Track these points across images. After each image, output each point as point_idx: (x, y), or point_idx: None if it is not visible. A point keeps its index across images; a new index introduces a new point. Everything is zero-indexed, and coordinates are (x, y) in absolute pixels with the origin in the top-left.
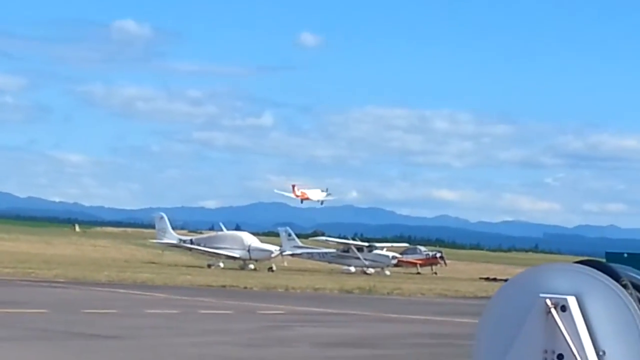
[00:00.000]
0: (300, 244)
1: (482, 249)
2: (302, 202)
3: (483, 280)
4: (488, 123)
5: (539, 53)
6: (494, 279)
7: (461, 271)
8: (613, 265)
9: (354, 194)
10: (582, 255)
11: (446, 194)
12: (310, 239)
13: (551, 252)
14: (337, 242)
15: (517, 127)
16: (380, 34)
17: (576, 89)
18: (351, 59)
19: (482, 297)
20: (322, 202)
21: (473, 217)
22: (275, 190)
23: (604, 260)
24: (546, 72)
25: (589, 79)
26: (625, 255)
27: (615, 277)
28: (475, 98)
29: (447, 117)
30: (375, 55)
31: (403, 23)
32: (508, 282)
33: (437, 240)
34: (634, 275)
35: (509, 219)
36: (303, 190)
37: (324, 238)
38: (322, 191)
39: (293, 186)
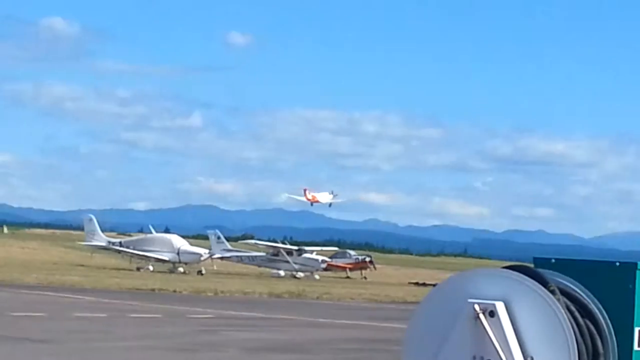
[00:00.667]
0: (229, 247)
1: (411, 254)
2: (312, 204)
3: (412, 285)
4: (417, 126)
5: (468, 56)
6: (423, 284)
7: (390, 276)
8: (541, 270)
9: (283, 196)
10: (511, 260)
11: (375, 198)
12: (240, 242)
13: (480, 257)
14: (267, 246)
15: (447, 131)
16: (310, 35)
17: (505, 93)
18: (280, 59)
19: (411, 302)
20: (330, 204)
21: (402, 221)
22: (287, 195)
23: (532, 265)
24: (476, 75)
25: (518, 83)
26: (553, 260)
27: (543, 282)
28: (405, 101)
29: (376, 119)
30: (305, 56)
31: (332, 24)
32: (436, 287)
33: (367, 245)
34: (561, 280)
35: (439, 223)
36: (313, 194)
37: (253, 241)
38: (330, 194)
39: (305, 190)
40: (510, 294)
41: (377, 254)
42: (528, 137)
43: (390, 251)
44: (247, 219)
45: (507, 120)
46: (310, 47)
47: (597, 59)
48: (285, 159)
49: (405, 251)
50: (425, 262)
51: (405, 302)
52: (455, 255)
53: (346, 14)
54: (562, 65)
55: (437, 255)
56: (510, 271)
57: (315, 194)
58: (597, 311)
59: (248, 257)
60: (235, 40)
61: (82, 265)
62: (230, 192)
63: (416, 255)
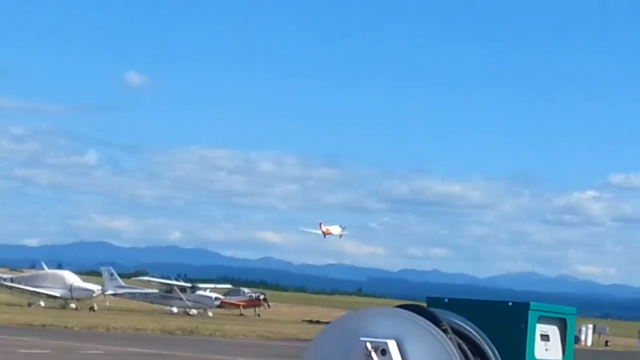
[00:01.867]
0: (122, 283)
1: (305, 292)
2: (325, 236)
3: (306, 322)
4: (313, 166)
5: (364, 96)
6: (317, 322)
7: (284, 313)
8: (433, 309)
9: (178, 234)
10: (406, 299)
11: (270, 236)
12: (133, 278)
13: (375, 296)
14: (160, 283)
15: (343, 171)
16: (205, 74)
17: (401, 134)
18: (177, 98)
19: (304, 340)
20: (340, 236)
21: (297, 260)
22: (302, 229)
23: (424, 304)
24: (372, 116)
25: (414, 124)
26: (446, 300)
27: (436, 321)
28: (301, 141)
29: (272, 159)
30: (201, 95)
31: (227, 63)
32: (329, 325)
33: (261, 282)
34: (454, 320)
35: (333, 262)
36: (327, 227)
37: (146, 278)
38: (340, 227)
39: (320, 224)
40: (402, 333)
41: (271, 291)
42: (424, 177)
43: (285, 289)
44: (141, 256)
45: (403, 161)
46: (206, 87)
47: (491, 101)
48: (181, 197)
49: (300, 289)
50: (320, 300)
51: (299, 340)
52: (349, 294)
53: (239, 54)
54: (458, 107)
55: (332, 293)
56: (403, 310)
57: (329, 227)
58: (489, 350)
59: (141, 294)
60: (132, 80)
61: None
62: (124, 229)
63: (311, 293)
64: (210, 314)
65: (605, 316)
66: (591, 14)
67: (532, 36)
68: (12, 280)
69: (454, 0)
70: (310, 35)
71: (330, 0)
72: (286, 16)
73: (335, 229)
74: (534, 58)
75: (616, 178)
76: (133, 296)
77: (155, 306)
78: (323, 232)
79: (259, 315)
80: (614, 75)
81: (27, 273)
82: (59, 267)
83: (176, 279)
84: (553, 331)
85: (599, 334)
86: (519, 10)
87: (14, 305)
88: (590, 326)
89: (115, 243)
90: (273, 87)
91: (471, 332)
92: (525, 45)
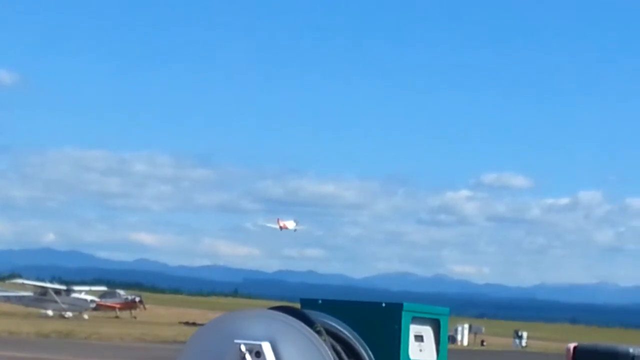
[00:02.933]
0: None
1: (182, 293)
2: (281, 229)
3: (183, 324)
4: (187, 166)
5: (236, 95)
6: (194, 324)
7: (161, 315)
8: (307, 311)
9: (52, 236)
10: (282, 300)
11: (145, 238)
12: (7, 281)
13: (251, 297)
14: (34, 285)
15: (217, 172)
16: (79, 73)
17: (275, 133)
18: (50, 98)
19: (181, 342)
20: (295, 230)
21: (173, 261)
22: (260, 222)
23: (299, 306)
24: (245, 115)
25: (289, 123)
26: (320, 301)
27: (309, 323)
28: (175, 141)
29: (146, 159)
30: (74, 95)
31: (100, 62)
32: (203, 327)
33: (137, 284)
34: (328, 321)
35: (209, 263)
36: (283, 222)
37: (20, 281)
38: (295, 222)
39: (278, 219)
40: (276, 335)
41: (147, 293)
42: (298, 178)
43: (161, 291)
44: (14, 259)
45: (278, 161)
46: (79, 86)
47: (365, 99)
48: (54, 199)
49: (176, 291)
50: (196, 302)
51: (175, 342)
52: (226, 295)
53: (112, 52)
54: (331, 105)
55: (209, 295)
56: (277, 312)
57: (285, 222)
58: (362, 351)
59: (15, 297)
60: (3, 78)
61: None
62: None
63: (187, 295)
64: (85, 316)
65: (481, 316)
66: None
67: (396, 29)
68: None
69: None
70: (177, 30)
71: None
72: (155, 9)
73: (291, 224)
74: (404, 54)
75: (489, 177)
76: (7, 299)
77: (30, 309)
78: (280, 227)
79: (135, 317)
80: (483, 73)
81: None
82: None
83: (51, 282)
84: (427, 332)
85: (475, 333)
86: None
87: None
88: (467, 326)
89: None
90: (146, 86)
91: (345, 334)
92: (394, 39)
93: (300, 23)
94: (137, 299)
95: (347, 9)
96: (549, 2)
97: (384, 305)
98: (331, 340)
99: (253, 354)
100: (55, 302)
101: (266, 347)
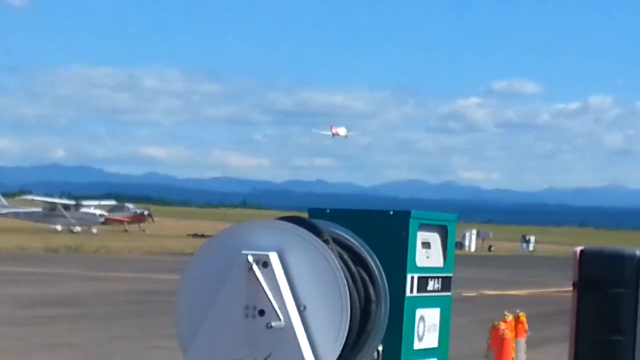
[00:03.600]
0: (6, 203)
1: (191, 206)
2: (333, 136)
3: (191, 236)
4: (197, 81)
5: (244, 12)
6: (202, 235)
7: (170, 228)
8: (315, 221)
9: (61, 152)
10: (290, 210)
11: (155, 151)
12: (17, 198)
13: (260, 208)
14: (44, 201)
15: (226, 85)
16: None
17: (284, 45)
18: (57, 17)
19: (189, 254)
20: (346, 136)
21: (182, 174)
22: (314, 130)
23: (306, 216)
24: (254, 29)
25: (296, 36)
26: (328, 211)
27: (317, 232)
28: (184, 56)
29: (156, 75)
30: (82, 13)
31: None
32: (210, 238)
33: (146, 198)
34: (335, 230)
35: (218, 175)
36: (335, 129)
37: (30, 197)
38: (346, 129)
39: (331, 126)
40: (283, 245)
41: (156, 206)
42: (307, 89)
43: (170, 204)
44: (24, 175)
45: (287, 73)
46: (87, 4)
47: (374, 10)
48: (64, 115)
49: (185, 203)
50: (205, 214)
51: (184, 254)
52: (234, 207)
53: None
54: (340, 16)
55: (217, 206)
56: (284, 222)
57: (337, 129)
58: (369, 259)
59: (25, 213)
60: (10, 0)
61: None
62: (6, 149)
63: (196, 207)
64: (94, 230)
65: (489, 221)
66: None
67: None
68: None
69: None
70: None
71: None
72: None
73: (342, 131)
74: None
75: (499, 84)
76: (17, 215)
77: (39, 225)
78: (333, 134)
79: (144, 230)
80: None
81: None
82: None
83: (60, 197)
84: (434, 238)
85: (483, 239)
86: None
87: None
88: (474, 231)
89: None
90: (154, 2)
91: (352, 242)
92: None
93: None
94: (146, 212)
95: None
96: None
97: (391, 213)
98: (338, 249)
99: (260, 264)
100: (64, 217)
101: (273, 257)
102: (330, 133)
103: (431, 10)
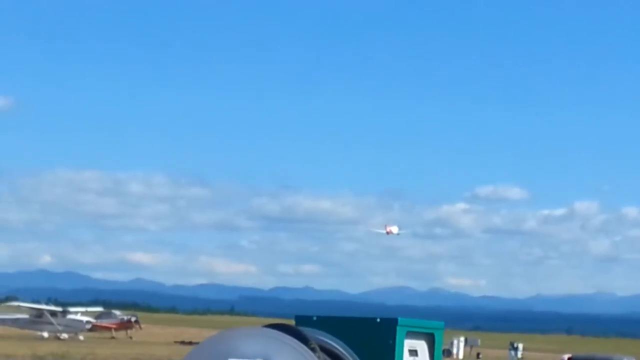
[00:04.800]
0: None
1: (178, 312)
2: (387, 234)
3: (179, 343)
4: (183, 185)
5: (229, 113)
6: (190, 343)
7: (157, 335)
8: (302, 328)
9: (48, 258)
10: (278, 317)
11: (141, 257)
12: (3, 304)
13: (247, 315)
14: (30, 308)
15: (212, 190)
16: (70, 95)
17: (270, 150)
18: (42, 121)
19: None
20: (399, 234)
21: (169, 280)
22: (370, 229)
23: (293, 323)
24: (240, 133)
25: (283, 141)
26: (315, 318)
27: (304, 340)
28: (170, 161)
29: (141, 180)
30: (66, 117)
31: (90, 82)
32: (197, 346)
33: (133, 304)
34: (322, 338)
35: (205, 281)
36: (389, 228)
37: (16, 303)
38: (398, 227)
39: (385, 226)
40: (270, 352)
41: (143, 313)
42: (294, 194)
43: (157, 310)
44: (10, 281)
45: (273, 178)
46: (70, 108)
47: (358, 115)
48: (49, 221)
49: (172, 310)
50: (192, 321)
51: None
52: (222, 314)
53: (102, 71)
54: (326, 121)
55: (204, 313)
56: (271, 329)
57: (390, 227)
58: None
59: (11, 319)
60: None
61: None
62: None
63: (183, 313)
64: (81, 337)
65: (477, 328)
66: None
67: (389, 42)
68: None
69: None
70: (167, 50)
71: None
72: (143, 29)
73: (395, 229)
74: (396, 67)
75: (485, 190)
76: (3, 322)
77: (26, 331)
78: (387, 232)
79: (131, 337)
80: (476, 84)
81: None
82: None
83: (46, 304)
84: (421, 346)
85: (471, 346)
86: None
87: None
88: (462, 339)
89: None
90: (139, 106)
91: (339, 350)
92: (387, 52)
93: (291, 39)
94: (133, 319)
95: (339, 20)
96: (542, 13)
97: (378, 320)
98: (325, 357)
99: None
100: (51, 323)
101: None
102: (384, 231)
103: (416, 115)
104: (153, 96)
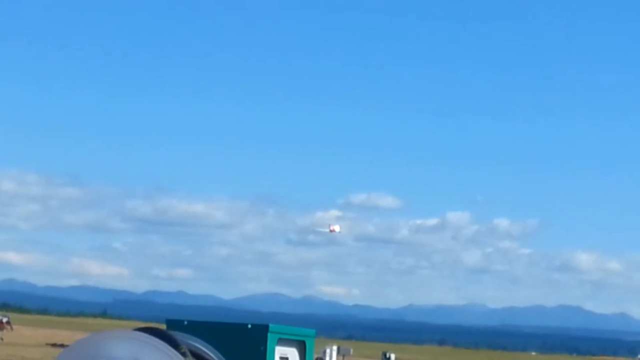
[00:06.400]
0: None
1: (50, 314)
2: (330, 232)
3: (50, 346)
4: (56, 185)
5: (104, 113)
6: (61, 345)
7: (28, 337)
8: (173, 332)
9: None
10: (151, 321)
11: (13, 257)
12: None
13: (120, 318)
14: None
15: (86, 190)
16: None
17: (145, 151)
18: None
19: None
20: (340, 232)
21: (41, 281)
22: (315, 228)
23: (165, 327)
24: (114, 134)
25: (158, 142)
26: (186, 322)
27: (174, 344)
28: (43, 160)
29: (14, 178)
30: None
31: None
32: (67, 348)
33: (4, 305)
34: (193, 343)
35: (78, 283)
36: (333, 227)
37: None
38: (339, 226)
39: (329, 225)
40: (140, 356)
41: (15, 314)
42: (168, 197)
43: (29, 311)
44: None
45: (147, 180)
46: None
47: (235, 117)
48: None
49: (44, 311)
50: (64, 323)
51: None
52: (95, 316)
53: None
54: (201, 124)
55: (77, 315)
56: (141, 333)
57: (333, 226)
58: None
59: None
60: None
61: None
62: None
63: (55, 315)
64: None
65: (350, 337)
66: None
67: (264, 51)
68: None
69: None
70: (37, 48)
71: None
72: (30, 33)
73: (337, 228)
74: (268, 75)
75: (358, 197)
76: None
77: None
78: (330, 230)
79: (1, 339)
80: (347, 90)
81: None
82: None
83: None
84: (292, 353)
85: (343, 355)
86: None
87: None
88: (335, 347)
89: None
90: (12, 103)
91: (210, 355)
92: (260, 59)
93: (160, 42)
94: (5, 320)
95: (212, 30)
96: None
97: (249, 326)
98: None
99: None
100: None
101: None
102: (328, 230)
103: (291, 120)
104: (28, 94)
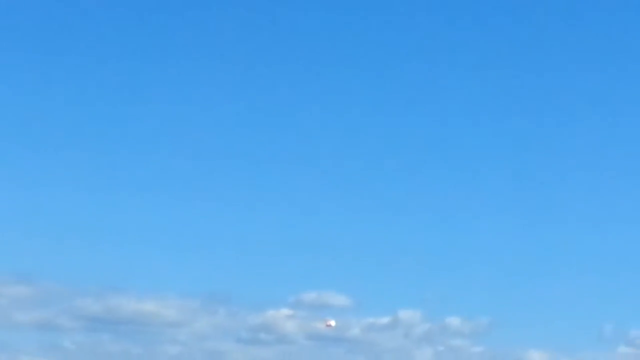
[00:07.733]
0: None
1: None
2: (327, 326)
3: None
4: (5, 283)
5: (55, 209)
6: None
7: None
8: None
9: None
10: None
11: None
12: None
13: None
14: None
15: (36, 288)
16: None
17: (97, 251)
18: None
19: None
20: (334, 325)
21: None
22: (310, 323)
23: None
24: (65, 233)
25: (109, 241)
26: None
27: None
28: None
29: None
30: None
31: None
32: None
33: None
34: None
35: None
36: (328, 322)
37: None
38: (334, 321)
39: (325, 320)
40: None
41: None
42: (118, 295)
43: None
44: None
45: (98, 279)
46: None
47: (191, 215)
48: None
49: None
50: None
51: None
52: None
53: None
54: (148, 222)
55: None
56: None
57: (329, 322)
58: None
59: None
60: None
61: None
62: None
63: None
64: None
65: None
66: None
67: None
68: None
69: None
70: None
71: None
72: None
73: (332, 322)
74: (223, 178)
75: (309, 296)
76: None
77: None
78: (327, 325)
79: None
80: (297, 195)
81: None
82: None
83: None
84: None
85: None
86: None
87: None
88: None
89: None
90: None
91: None
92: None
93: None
94: None
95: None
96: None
97: None
98: None
99: None
100: None
101: None
102: (325, 325)
103: (241, 219)
104: None
